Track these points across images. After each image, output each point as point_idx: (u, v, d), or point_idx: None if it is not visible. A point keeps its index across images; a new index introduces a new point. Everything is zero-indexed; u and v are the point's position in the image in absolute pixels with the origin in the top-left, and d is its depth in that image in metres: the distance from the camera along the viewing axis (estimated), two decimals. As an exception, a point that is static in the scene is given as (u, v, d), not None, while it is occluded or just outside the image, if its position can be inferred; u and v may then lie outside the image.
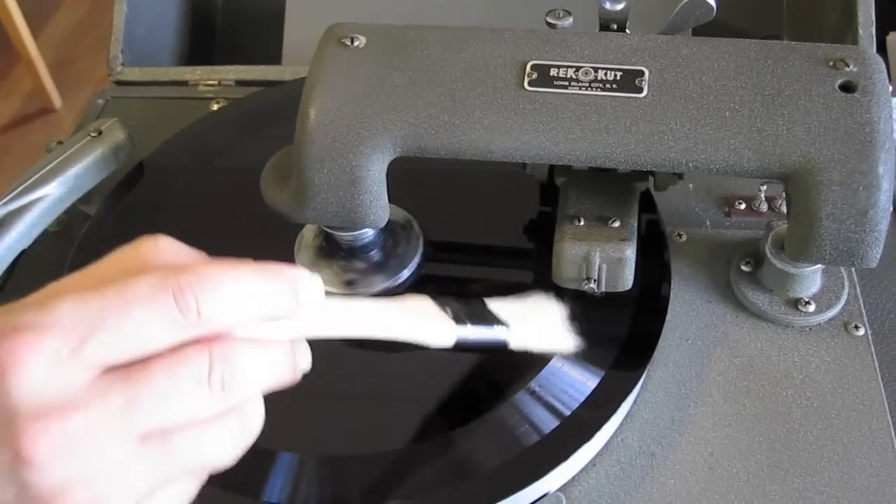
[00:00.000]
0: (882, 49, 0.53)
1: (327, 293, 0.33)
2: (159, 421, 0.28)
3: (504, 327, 0.39)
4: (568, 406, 0.46)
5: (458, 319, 0.37)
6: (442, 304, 0.38)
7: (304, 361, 0.32)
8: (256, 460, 0.44)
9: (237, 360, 0.29)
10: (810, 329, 0.51)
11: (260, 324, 0.30)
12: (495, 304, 0.40)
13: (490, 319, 0.39)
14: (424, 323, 0.37)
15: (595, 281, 0.48)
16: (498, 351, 0.44)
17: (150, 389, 0.27)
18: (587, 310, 0.49)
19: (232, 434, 0.30)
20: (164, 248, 0.30)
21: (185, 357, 0.28)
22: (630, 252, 0.47)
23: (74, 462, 0.26)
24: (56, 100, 1.90)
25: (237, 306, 0.29)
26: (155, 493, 0.29)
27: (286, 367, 0.31)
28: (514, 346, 0.39)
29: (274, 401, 0.47)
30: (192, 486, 0.30)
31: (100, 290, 0.28)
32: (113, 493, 0.27)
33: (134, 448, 0.27)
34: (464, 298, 0.39)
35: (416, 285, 0.52)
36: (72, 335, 0.27)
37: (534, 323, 0.40)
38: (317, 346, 0.50)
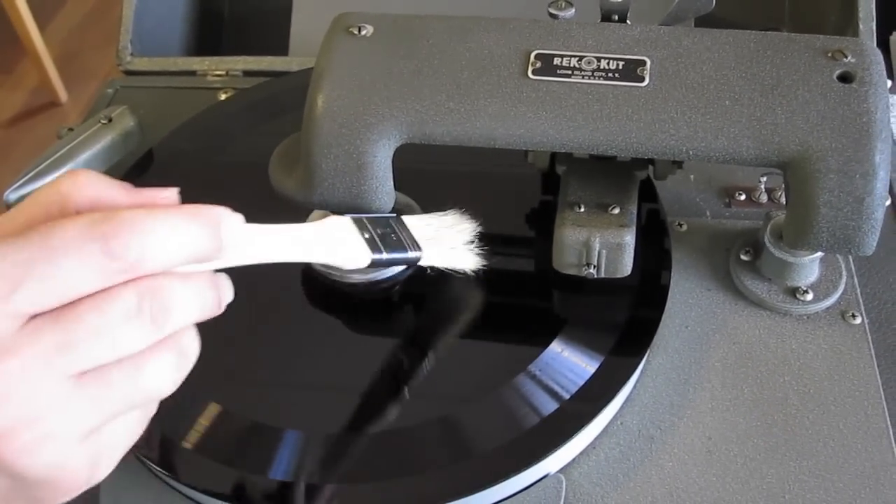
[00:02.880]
0: (885, 49, 0.53)
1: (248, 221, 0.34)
2: (94, 358, 0.28)
3: (416, 250, 0.41)
4: (569, 390, 0.46)
5: (373, 242, 0.39)
6: (360, 227, 0.39)
7: (227, 292, 0.33)
8: (262, 437, 0.45)
9: (165, 293, 0.30)
10: (808, 317, 0.51)
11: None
12: (411, 221, 0.42)
13: (403, 241, 0.41)
14: (340, 248, 0.39)
15: (595, 267, 0.49)
16: (495, 330, 0.48)
17: (81, 328, 0.28)
18: (590, 296, 0.51)
19: (169, 364, 0.30)
20: (85, 184, 0.31)
21: (114, 295, 0.28)
22: (629, 238, 0.48)
23: (13, 405, 0.27)
24: (62, 93, 1.91)
25: (164, 249, 0.29)
26: (101, 429, 0.29)
27: (212, 298, 0.32)
28: (424, 263, 0.42)
29: (280, 379, 0.49)
30: (141, 420, 0.31)
31: (26, 238, 0.28)
32: (57, 431, 0.28)
33: (72, 386, 0.28)
34: (382, 219, 0.42)
35: (416, 271, 0.53)
36: None
37: (444, 242, 0.43)
38: (324, 327, 0.51)
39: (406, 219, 0.43)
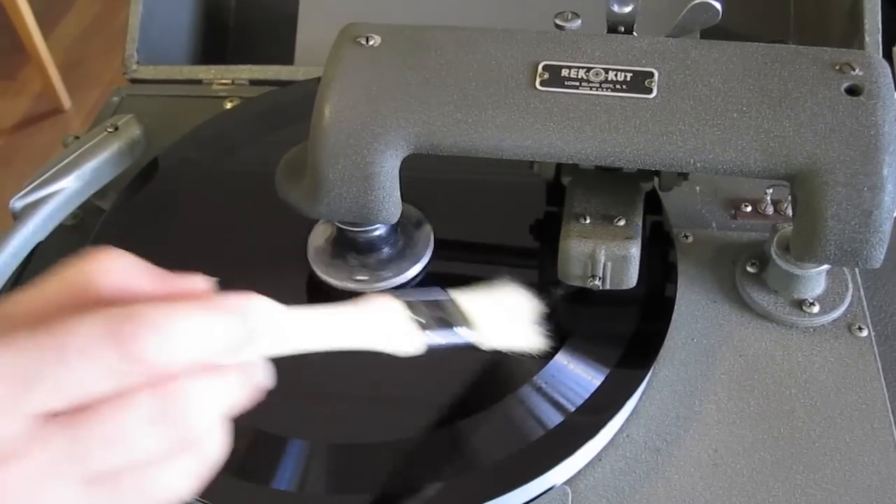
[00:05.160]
0: (888, 61, 0.54)
1: (290, 303, 0.32)
2: (106, 464, 0.27)
3: (473, 330, 0.37)
4: (575, 402, 0.46)
5: (426, 324, 0.36)
6: (409, 306, 0.36)
7: (263, 378, 0.31)
8: (267, 447, 0.45)
9: (185, 395, 0.28)
10: (814, 330, 0.51)
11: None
12: (463, 299, 0.38)
13: (458, 321, 0.37)
14: (391, 335, 0.35)
15: (600, 278, 0.49)
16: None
17: (94, 435, 0.27)
18: (595, 308, 0.51)
19: (186, 470, 0.29)
20: (113, 269, 0.29)
21: (130, 400, 0.27)
22: (634, 250, 0.48)
23: None
24: (65, 100, 1.91)
25: (183, 349, 0.28)
26: None
27: (242, 391, 0.30)
28: (485, 347, 0.38)
29: (287, 388, 0.48)
30: None
31: (38, 336, 0.27)
32: None
33: (82, 492, 0.27)
34: (431, 296, 0.37)
35: (424, 282, 0.53)
36: (10, 387, 0.26)
37: (503, 321, 0.39)
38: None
39: (458, 296, 0.38)
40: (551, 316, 0.51)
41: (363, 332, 0.34)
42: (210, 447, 0.29)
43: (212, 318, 0.29)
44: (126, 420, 0.27)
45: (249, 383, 0.30)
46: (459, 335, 0.37)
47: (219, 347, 0.29)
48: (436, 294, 0.38)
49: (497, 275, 0.40)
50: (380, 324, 0.35)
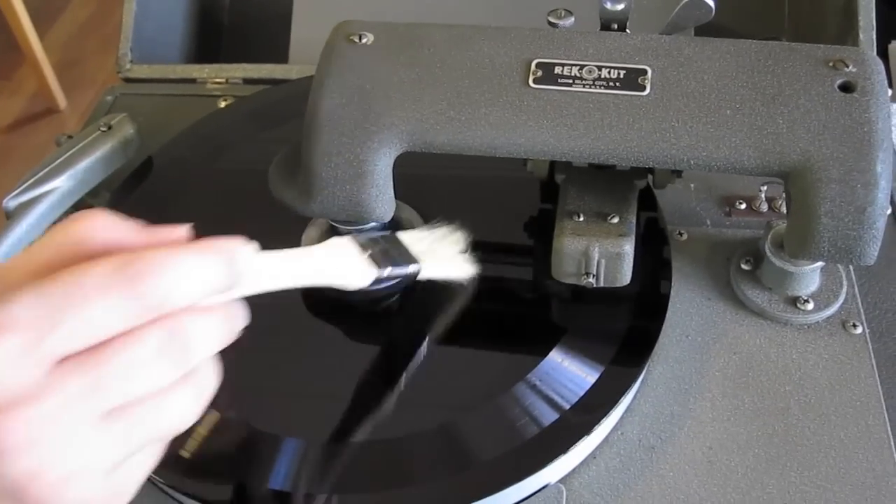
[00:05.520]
0: (884, 58, 0.54)
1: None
2: (120, 398, 0.29)
3: (415, 263, 0.43)
4: (569, 399, 0.46)
5: (374, 260, 0.40)
6: (361, 245, 0.40)
7: (241, 319, 0.33)
8: (261, 445, 0.45)
9: (187, 330, 0.30)
10: (809, 327, 0.51)
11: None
12: (405, 237, 0.44)
13: (404, 255, 0.42)
14: (346, 269, 0.40)
15: (594, 276, 0.49)
16: (495, 339, 0.48)
17: (108, 371, 0.28)
18: (589, 305, 0.51)
19: (190, 399, 0.31)
20: (98, 226, 0.31)
21: (140, 336, 0.29)
22: (628, 247, 0.48)
23: (42, 448, 0.27)
24: (61, 100, 1.91)
25: (185, 289, 0.30)
26: (123, 464, 0.30)
27: (229, 329, 0.32)
28: (424, 276, 0.43)
29: (283, 387, 0.48)
30: (157, 451, 0.32)
31: (52, 284, 0.28)
32: (83, 470, 0.28)
33: (99, 426, 0.29)
34: (379, 237, 0.42)
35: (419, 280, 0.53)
36: (29, 332, 0.27)
37: (439, 254, 0.44)
38: (323, 337, 0.51)
39: (400, 235, 0.44)
40: (544, 314, 0.52)
41: (324, 270, 0.38)
42: (206, 380, 0.32)
43: (206, 259, 0.31)
44: (136, 353, 0.29)
45: (233, 322, 0.32)
46: (403, 267, 0.42)
47: (212, 287, 0.31)
48: (381, 235, 0.43)
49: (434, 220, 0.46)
50: (337, 261, 0.39)
